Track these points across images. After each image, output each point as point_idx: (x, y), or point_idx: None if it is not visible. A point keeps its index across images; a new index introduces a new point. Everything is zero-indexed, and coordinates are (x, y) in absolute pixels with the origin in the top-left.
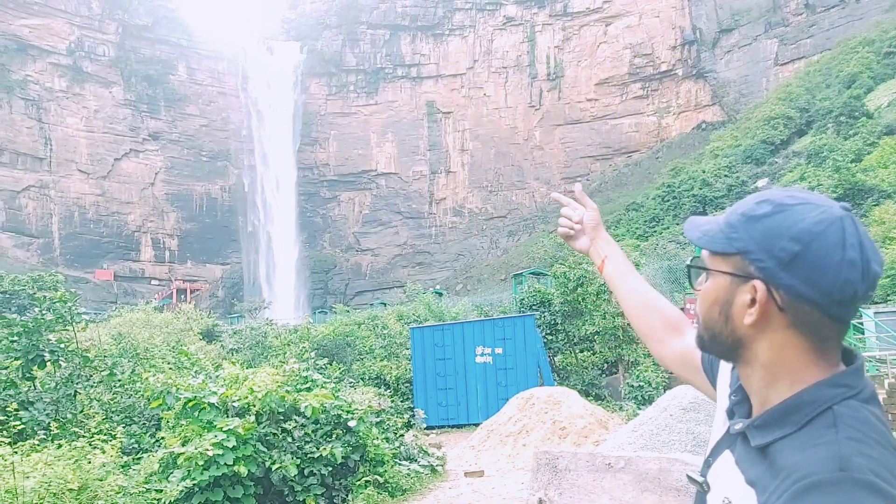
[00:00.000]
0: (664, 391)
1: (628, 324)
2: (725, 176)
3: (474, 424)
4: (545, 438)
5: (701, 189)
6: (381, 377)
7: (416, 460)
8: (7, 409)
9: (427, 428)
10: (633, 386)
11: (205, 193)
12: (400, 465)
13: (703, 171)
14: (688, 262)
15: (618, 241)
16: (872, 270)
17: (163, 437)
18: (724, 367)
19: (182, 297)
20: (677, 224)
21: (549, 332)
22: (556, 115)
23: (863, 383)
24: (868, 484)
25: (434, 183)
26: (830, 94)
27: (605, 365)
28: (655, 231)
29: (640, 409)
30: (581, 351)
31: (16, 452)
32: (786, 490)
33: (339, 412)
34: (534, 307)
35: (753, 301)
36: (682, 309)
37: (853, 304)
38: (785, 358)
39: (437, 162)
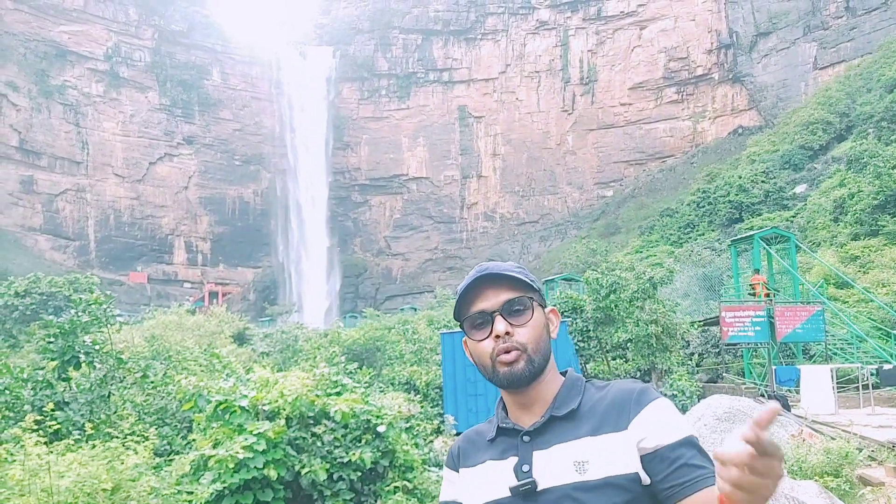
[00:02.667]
0: (698, 400)
1: (662, 331)
2: (762, 182)
3: None
4: None
5: (737, 195)
6: (411, 382)
7: None
8: (43, 409)
9: (456, 434)
10: (666, 395)
11: (237, 197)
12: (429, 471)
13: (740, 177)
14: (505, 302)
15: (652, 247)
16: None
17: (194, 440)
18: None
19: (214, 299)
20: (713, 230)
21: (581, 338)
22: (590, 119)
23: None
24: (648, 385)
25: (465, 187)
26: (871, 98)
27: (638, 373)
28: (690, 237)
29: None
30: (614, 358)
31: (51, 452)
32: (629, 402)
33: (369, 417)
34: (565, 313)
35: (549, 320)
36: (716, 317)
37: None
38: (552, 360)
39: (469, 166)
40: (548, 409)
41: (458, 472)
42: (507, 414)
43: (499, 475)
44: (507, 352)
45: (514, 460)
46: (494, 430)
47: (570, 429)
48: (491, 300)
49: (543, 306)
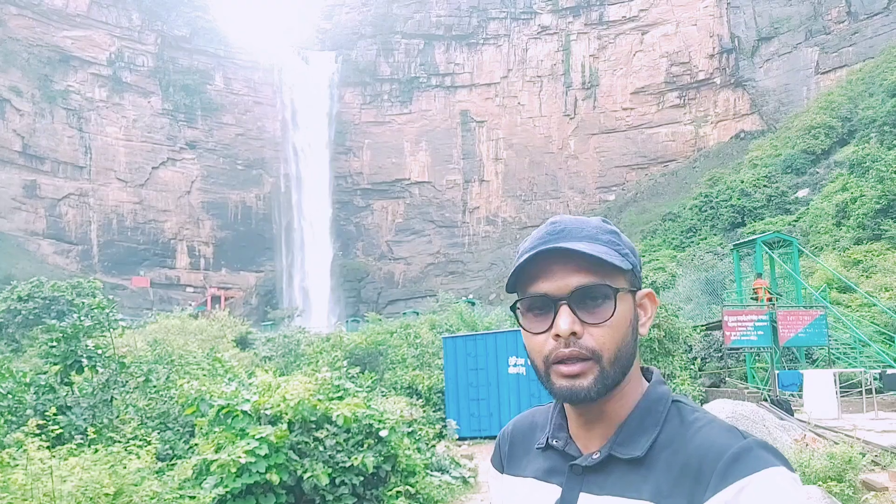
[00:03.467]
0: (701, 405)
1: (664, 335)
2: (765, 186)
3: None
4: None
5: (739, 199)
6: (413, 387)
7: (447, 471)
8: (46, 413)
9: (459, 439)
10: None
11: (240, 202)
12: (431, 475)
13: (742, 181)
14: (576, 290)
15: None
16: None
17: (196, 444)
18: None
19: (216, 304)
20: (715, 235)
21: None
22: (591, 124)
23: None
24: (763, 444)
25: (467, 192)
26: (874, 102)
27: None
28: (692, 241)
29: None
30: None
31: (54, 456)
32: (711, 472)
33: (371, 421)
34: None
35: (642, 310)
36: (719, 321)
37: None
38: (636, 369)
39: (471, 171)
40: (610, 439)
41: (502, 473)
42: (565, 421)
43: (532, 500)
44: (571, 360)
45: (557, 492)
46: (545, 437)
47: (632, 479)
48: (558, 281)
49: (636, 290)
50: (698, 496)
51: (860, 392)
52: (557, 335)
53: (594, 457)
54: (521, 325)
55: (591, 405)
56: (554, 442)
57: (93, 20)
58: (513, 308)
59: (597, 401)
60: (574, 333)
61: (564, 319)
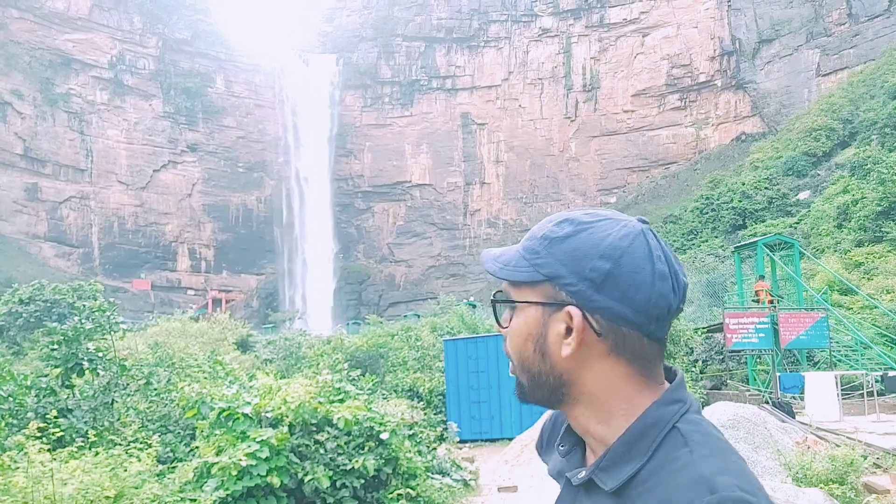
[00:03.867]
0: (702, 408)
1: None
2: (766, 188)
3: (508, 438)
4: None
5: (740, 201)
6: (414, 389)
7: (448, 474)
8: (47, 416)
9: (460, 441)
10: None
11: (241, 204)
12: (432, 478)
13: (743, 184)
14: (492, 297)
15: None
16: (681, 281)
17: (197, 447)
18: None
19: (217, 306)
20: (716, 237)
21: None
22: (592, 126)
23: (690, 395)
24: (739, 500)
25: (468, 194)
26: (875, 105)
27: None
28: (693, 244)
29: None
30: None
31: (55, 459)
32: None
33: (372, 424)
34: None
35: (569, 330)
36: (720, 323)
37: (668, 320)
38: (614, 388)
39: (472, 173)
40: (594, 462)
41: (541, 458)
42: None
43: None
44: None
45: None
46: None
47: None
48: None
49: (552, 305)
50: None
51: (862, 394)
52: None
53: (579, 476)
54: None
55: (568, 414)
56: (558, 447)
57: (94, 23)
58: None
59: (528, 403)
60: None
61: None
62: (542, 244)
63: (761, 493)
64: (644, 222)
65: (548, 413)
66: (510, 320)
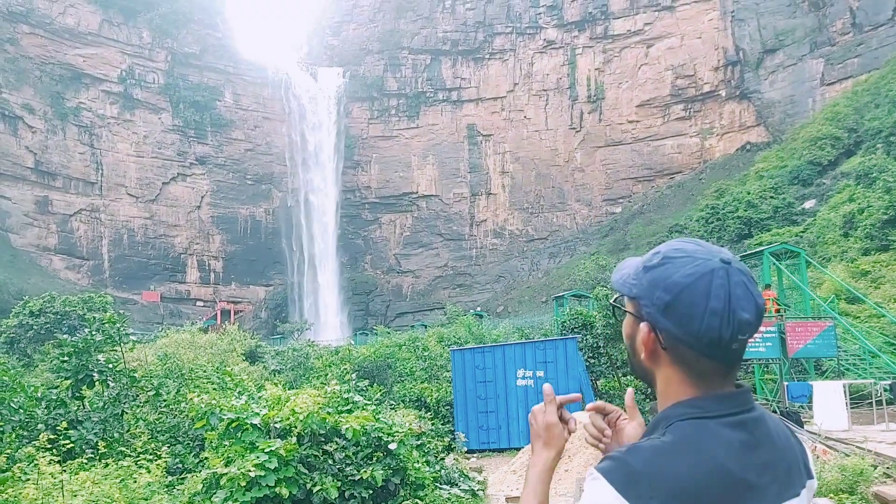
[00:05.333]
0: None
1: None
2: (771, 197)
3: (515, 448)
4: (588, 464)
5: (746, 211)
6: (422, 399)
7: (456, 484)
8: (57, 427)
9: (467, 451)
10: None
11: (249, 216)
12: (441, 489)
13: (748, 193)
14: (613, 301)
15: None
16: (738, 317)
17: (206, 458)
18: None
19: (226, 318)
20: (722, 246)
21: (591, 355)
22: (597, 136)
23: (725, 408)
24: (618, 457)
25: (475, 205)
26: (880, 113)
27: (650, 389)
28: None
29: None
30: (624, 375)
31: (65, 471)
32: None
33: (380, 434)
34: (575, 330)
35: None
36: None
37: (721, 346)
38: (671, 389)
39: (478, 184)
40: None
41: None
42: None
43: None
44: None
45: None
46: None
47: None
48: None
49: (638, 318)
50: None
51: (871, 403)
52: None
53: None
54: None
55: None
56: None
57: (104, 38)
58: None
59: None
60: None
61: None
62: (639, 269)
63: (616, 467)
64: (726, 262)
65: None
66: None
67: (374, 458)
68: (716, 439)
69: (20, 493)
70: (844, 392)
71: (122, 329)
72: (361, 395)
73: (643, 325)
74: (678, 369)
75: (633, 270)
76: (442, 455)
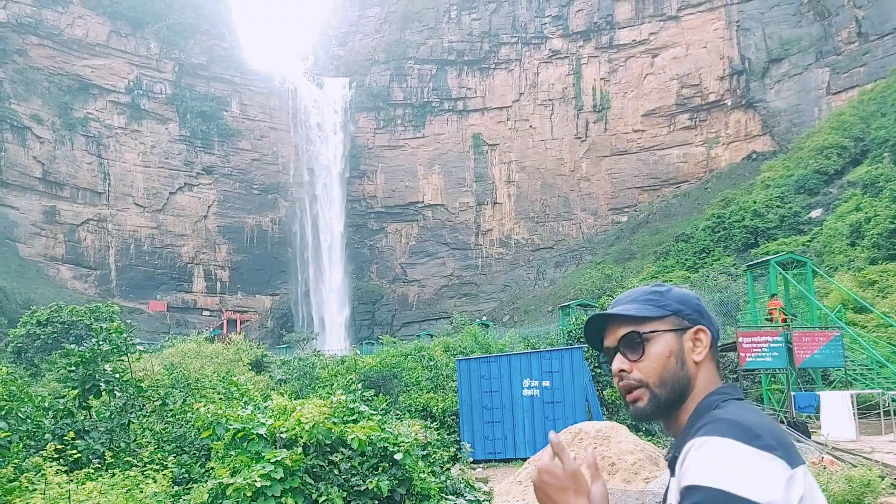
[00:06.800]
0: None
1: None
2: (778, 206)
3: (521, 459)
4: None
5: (752, 220)
6: (428, 409)
7: (462, 495)
8: (64, 437)
9: (473, 462)
10: None
11: (255, 226)
12: (446, 499)
13: (755, 202)
14: (619, 343)
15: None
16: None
17: (212, 468)
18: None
19: (232, 327)
20: (728, 255)
21: (597, 365)
22: (603, 146)
23: (739, 391)
24: (726, 419)
25: (480, 214)
26: (886, 122)
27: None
28: (706, 262)
29: None
30: None
31: (72, 480)
32: (683, 448)
33: (386, 445)
34: (581, 339)
35: (695, 342)
36: (733, 342)
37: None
38: (708, 381)
39: (484, 193)
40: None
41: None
42: None
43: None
44: (630, 391)
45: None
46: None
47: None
48: (612, 336)
49: (682, 329)
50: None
51: (878, 414)
52: (615, 374)
53: (667, 457)
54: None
55: (666, 422)
56: (668, 454)
57: (112, 49)
58: (599, 361)
59: (659, 417)
60: (623, 370)
61: (615, 362)
62: (656, 295)
63: (737, 429)
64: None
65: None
66: (642, 353)
67: (380, 469)
68: (755, 406)
69: (27, 503)
70: (852, 402)
71: (128, 339)
72: (367, 405)
73: (694, 331)
74: (711, 364)
75: (645, 298)
76: (448, 465)
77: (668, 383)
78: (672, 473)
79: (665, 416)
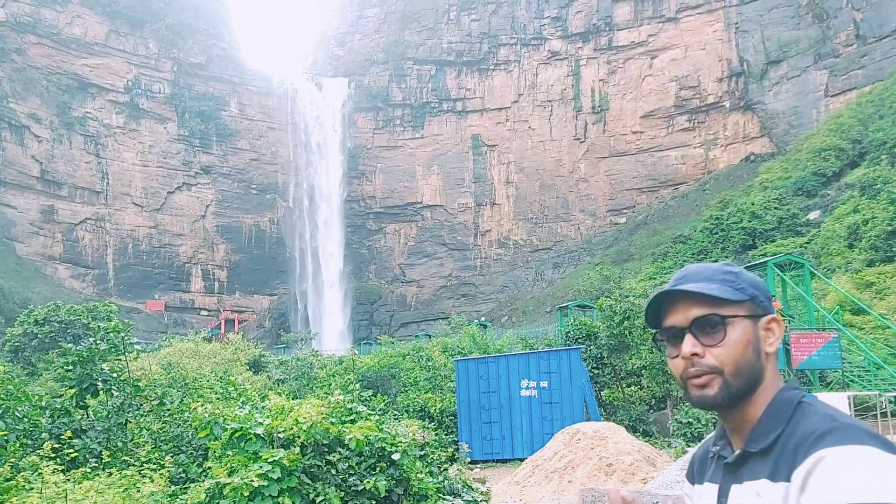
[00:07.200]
0: (714, 428)
1: None
2: (776, 208)
3: (519, 459)
4: (591, 475)
5: (750, 221)
6: (426, 409)
7: (460, 495)
8: (61, 436)
9: (471, 462)
10: (681, 422)
11: (254, 226)
12: (444, 499)
13: (753, 204)
14: (689, 326)
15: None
16: None
17: (210, 467)
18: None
19: (230, 327)
20: (726, 257)
21: (595, 365)
22: (602, 147)
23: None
24: (854, 426)
25: (479, 215)
26: (884, 125)
27: (653, 400)
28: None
29: (689, 446)
30: (628, 385)
31: (69, 480)
32: (800, 452)
33: (383, 445)
34: (579, 340)
35: (769, 331)
36: None
37: None
38: (776, 374)
39: (482, 194)
40: (745, 437)
41: (693, 485)
42: (724, 432)
43: (707, 501)
44: (696, 376)
45: (716, 488)
46: (712, 447)
47: (759, 467)
48: (680, 315)
49: (757, 316)
50: (793, 468)
51: (875, 415)
52: (684, 357)
53: (735, 453)
54: (664, 352)
55: (729, 412)
56: (714, 448)
57: (111, 48)
58: (654, 339)
59: (726, 407)
60: (696, 354)
61: (686, 344)
62: (733, 276)
63: (870, 435)
64: None
65: (694, 449)
66: (723, 337)
67: (378, 469)
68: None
69: (24, 502)
70: (849, 404)
71: (126, 338)
72: (365, 406)
73: (768, 319)
74: (776, 357)
75: (722, 278)
76: (445, 465)
77: (744, 373)
78: (731, 475)
79: (731, 407)
